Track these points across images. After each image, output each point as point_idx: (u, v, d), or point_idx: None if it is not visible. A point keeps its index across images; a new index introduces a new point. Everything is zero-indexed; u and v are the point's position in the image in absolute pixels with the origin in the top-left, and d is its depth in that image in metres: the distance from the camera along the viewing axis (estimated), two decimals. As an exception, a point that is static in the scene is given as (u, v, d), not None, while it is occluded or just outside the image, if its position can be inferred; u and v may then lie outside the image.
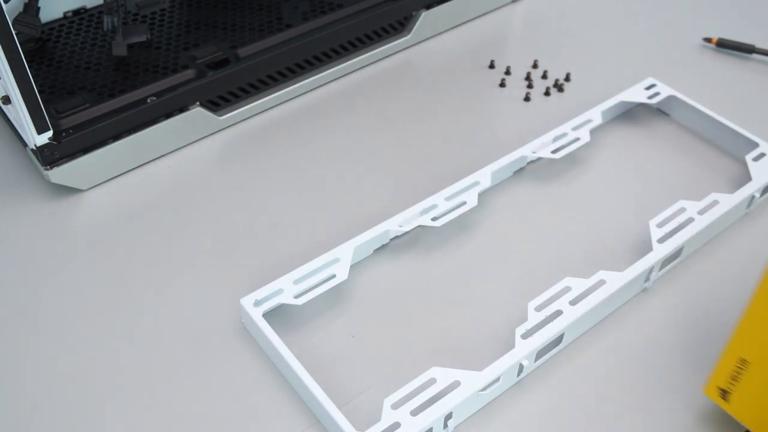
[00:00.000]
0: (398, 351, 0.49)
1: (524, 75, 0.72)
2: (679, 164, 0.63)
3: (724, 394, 0.43)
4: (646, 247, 0.53)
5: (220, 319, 0.51)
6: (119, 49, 0.63)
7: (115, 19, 0.64)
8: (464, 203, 0.56)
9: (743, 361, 0.41)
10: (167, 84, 0.62)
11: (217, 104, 0.64)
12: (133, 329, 0.50)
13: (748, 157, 0.60)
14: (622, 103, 0.66)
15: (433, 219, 0.55)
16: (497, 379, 0.45)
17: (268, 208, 0.59)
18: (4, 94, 0.54)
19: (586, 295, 0.49)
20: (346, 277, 0.51)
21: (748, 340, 0.40)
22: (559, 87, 0.70)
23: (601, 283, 0.50)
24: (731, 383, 0.42)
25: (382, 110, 0.68)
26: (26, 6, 0.63)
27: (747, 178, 0.58)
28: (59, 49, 0.66)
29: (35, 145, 0.55)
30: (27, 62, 0.51)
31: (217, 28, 0.69)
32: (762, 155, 0.60)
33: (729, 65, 0.73)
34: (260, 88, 0.66)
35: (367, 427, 0.43)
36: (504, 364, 0.45)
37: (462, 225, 0.57)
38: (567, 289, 0.50)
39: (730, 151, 0.63)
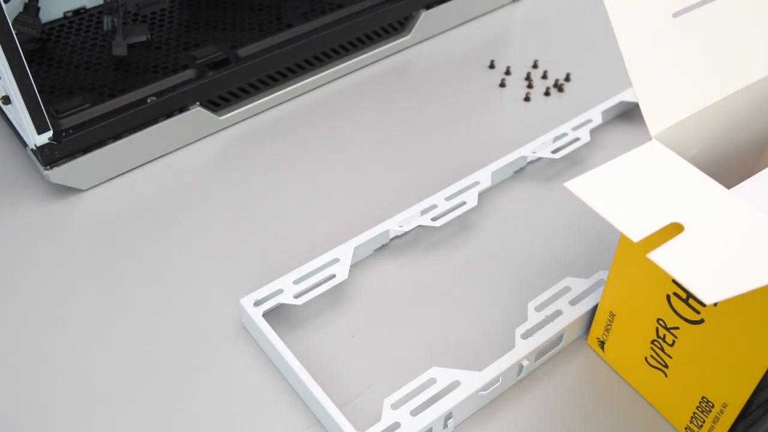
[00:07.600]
0: (398, 351, 0.49)
1: (524, 75, 0.72)
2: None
3: (601, 344, 0.48)
4: (646, 247, 0.53)
5: (220, 319, 0.51)
6: (119, 49, 0.63)
7: (115, 19, 0.64)
8: (464, 203, 0.56)
9: (612, 314, 0.46)
10: (167, 84, 0.62)
11: (217, 104, 0.64)
12: (132, 329, 0.50)
13: (748, 157, 0.60)
14: (622, 103, 0.66)
15: (433, 219, 0.54)
16: (497, 379, 0.45)
17: (268, 207, 0.59)
18: (4, 94, 0.54)
19: (586, 295, 0.49)
20: (346, 277, 0.51)
21: (613, 296, 0.45)
22: (559, 87, 0.70)
23: (601, 283, 0.50)
24: (605, 334, 0.48)
25: (382, 110, 0.68)
26: (26, 6, 0.63)
27: (747, 178, 0.58)
28: (59, 49, 0.66)
29: (35, 145, 0.55)
30: (27, 62, 0.51)
31: (217, 28, 0.69)
32: (762, 155, 0.60)
33: (729, 65, 0.73)
34: (260, 88, 0.66)
35: (367, 427, 0.43)
36: (504, 364, 0.45)
37: (462, 225, 0.57)
38: (567, 289, 0.50)
39: (730, 151, 0.63)
